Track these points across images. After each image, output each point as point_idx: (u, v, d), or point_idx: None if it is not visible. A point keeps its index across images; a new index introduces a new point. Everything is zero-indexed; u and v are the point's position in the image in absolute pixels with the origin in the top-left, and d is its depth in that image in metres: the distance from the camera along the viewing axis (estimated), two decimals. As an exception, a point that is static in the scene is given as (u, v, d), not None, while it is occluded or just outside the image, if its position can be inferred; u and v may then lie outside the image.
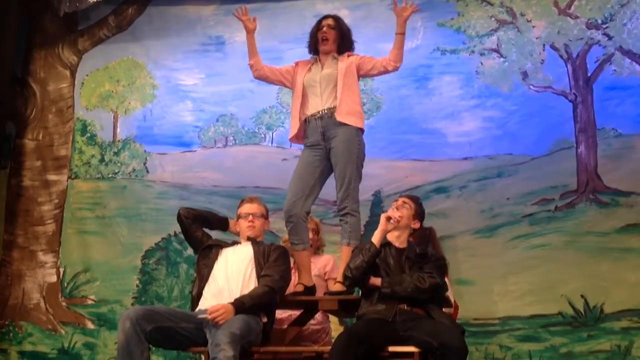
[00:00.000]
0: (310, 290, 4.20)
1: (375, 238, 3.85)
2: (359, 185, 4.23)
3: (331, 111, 4.26)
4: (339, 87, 4.26)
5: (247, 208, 4.22)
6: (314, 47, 4.49)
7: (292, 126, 4.40)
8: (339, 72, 4.31)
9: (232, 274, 3.92)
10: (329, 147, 4.24)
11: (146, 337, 3.52)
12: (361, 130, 4.29)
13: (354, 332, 3.60)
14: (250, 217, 4.16)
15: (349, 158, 4.18)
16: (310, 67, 4.44)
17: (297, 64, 4.53)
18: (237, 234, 4.27)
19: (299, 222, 4.19)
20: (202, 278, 3.98)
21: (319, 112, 4.29)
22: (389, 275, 3.81)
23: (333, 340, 4.00)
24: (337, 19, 4.49)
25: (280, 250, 4.07)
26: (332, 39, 4.40)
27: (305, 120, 4.34)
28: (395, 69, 4.33)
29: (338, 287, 4.13)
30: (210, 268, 3.98)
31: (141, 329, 3.51)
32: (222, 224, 4.33)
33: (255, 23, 4.43)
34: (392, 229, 3.92)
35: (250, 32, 4.43)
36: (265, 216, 4.24)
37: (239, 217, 4.24)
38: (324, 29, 4.41)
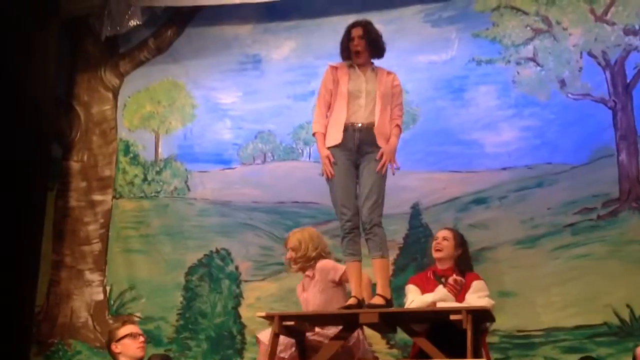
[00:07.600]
0: (360, 303, 4.24)
1: None
2: None
3: (369, 126, 4.37)
4: (377, 107, 4.39)
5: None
6: (347, 55, 4.55)
7: (334, 135, 4.40)
8: (378, 91, 4.42)
9: None
10: (360, 162, 4.37)
11: None
12: None
13: None
14: (141, 339, 4.21)
15: (382, 182, 4.34)
16: (349, 74, 4.48)
17: (334, 68, 4.55)
18: None
19: (358, 233, 4.33)
20: None
21: (359, 124, 4.38)
22: None
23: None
24: (365, 28, 4.52)
25: None
26: (362, 49, 4.47)
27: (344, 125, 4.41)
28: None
29: (378, 300, 4.16)
30: None
31: None
32: None
33: None
34: None
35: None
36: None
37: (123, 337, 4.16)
38: (355, 41, 4.48)
